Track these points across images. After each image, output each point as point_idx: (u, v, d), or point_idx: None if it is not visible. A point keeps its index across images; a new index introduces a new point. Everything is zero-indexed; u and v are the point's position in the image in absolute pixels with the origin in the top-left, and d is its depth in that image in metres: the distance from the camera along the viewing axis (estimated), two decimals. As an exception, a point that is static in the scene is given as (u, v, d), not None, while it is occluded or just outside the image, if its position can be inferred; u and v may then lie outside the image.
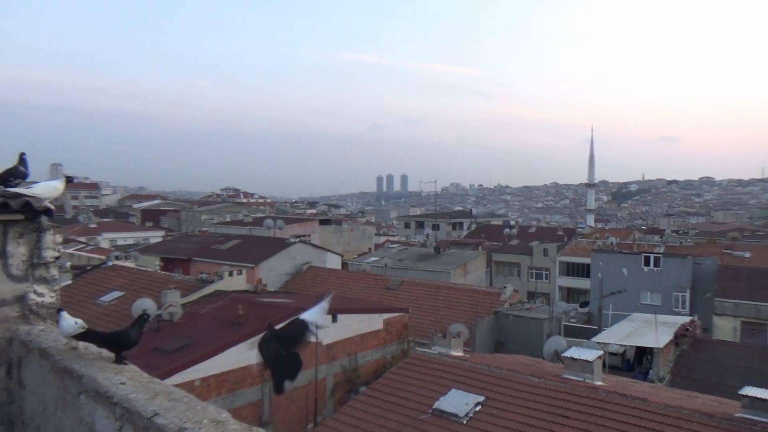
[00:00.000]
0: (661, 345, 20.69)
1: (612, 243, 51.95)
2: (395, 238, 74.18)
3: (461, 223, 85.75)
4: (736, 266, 38.80)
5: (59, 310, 3.66)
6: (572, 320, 34.08)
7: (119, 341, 3.37)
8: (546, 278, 53.08)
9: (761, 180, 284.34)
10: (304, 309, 3.95)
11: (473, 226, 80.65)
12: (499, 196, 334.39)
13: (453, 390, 14.10)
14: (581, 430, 12.01)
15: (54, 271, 4.33)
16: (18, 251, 4.16)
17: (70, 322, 3.45)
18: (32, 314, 4.20)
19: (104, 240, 55.26)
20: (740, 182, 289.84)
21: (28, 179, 4.41)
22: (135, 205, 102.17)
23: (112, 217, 78.92)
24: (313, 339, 3.55)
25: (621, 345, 23.98)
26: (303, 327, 3.61)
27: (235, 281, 25.91)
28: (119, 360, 3.32)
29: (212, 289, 23.47)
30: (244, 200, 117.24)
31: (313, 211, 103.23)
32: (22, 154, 4.37)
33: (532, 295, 47.91)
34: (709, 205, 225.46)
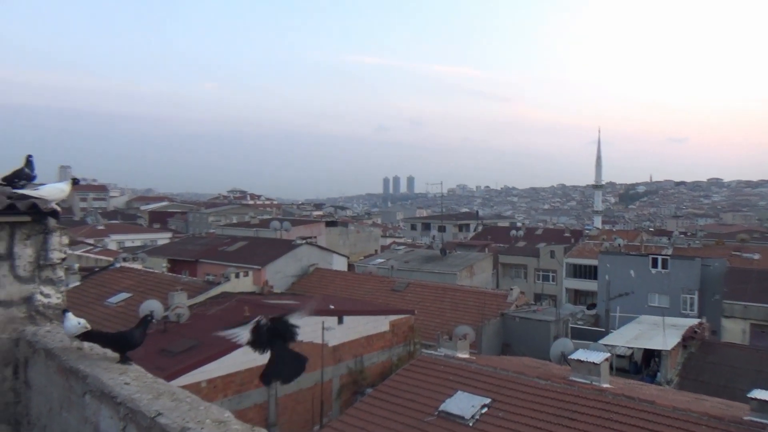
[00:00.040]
0: (669, 347, 20.57)
1: (619, 245, 51.71)
2: (401, 240, 74.13)
3: (467, 225, 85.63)
4: (745, 268, 38.50)
5: (64, 310, 3.69)
6: (579, 322, 33.94)
7: (123, 342, 3.40)
8: (553, 280, 52.88)
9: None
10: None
11: (480, 228, 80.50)
12: (506, 197, 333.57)
13: (459, 392, 14.07)
14: (588, 433, 11.94)
15: (60, 273, 4.37)
16: (25, 252, 4.20)
17: (74, 322, 3.48)
18: (39, 315, 4.23)
19: (112, 242, 55.54)
20: (749, 183, 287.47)
21: (35, 181, 4.45)
22: (143, 207, 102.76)
23: (119, 219, 79.35)
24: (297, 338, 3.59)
25: (628, 347, 23.85)
26: (290, 326, 3.64)
27: (241, 283, 25.99)
28: (124, 360, 3.34)
29: (219, 290, 23.55)
30: (251, 202, 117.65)
31: (320, 212, 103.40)
32: (29, 156, 4.42)
33: (538, 297, 47.71)
34: (718, 206, 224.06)
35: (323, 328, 18.30)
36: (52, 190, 4.15)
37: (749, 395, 12.08)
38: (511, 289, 29.59)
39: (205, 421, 2.39)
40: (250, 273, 28.42)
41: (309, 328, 17.82)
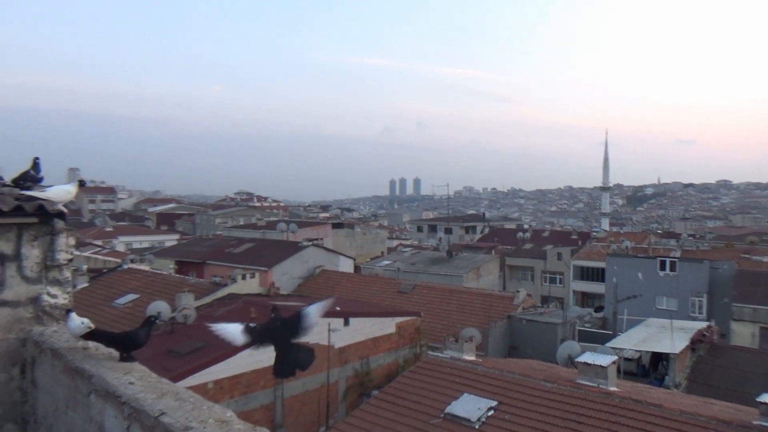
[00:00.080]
0: (677, 351, 20.41)
1: (627, 247, 51.43)
2: (408, 242, 74.06)
3: (474, 227, 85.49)
4: (754, 271, 38.14)
5: (68, 310, 3.72)
6: (586, 325, 33.75)
7: (127, 341, 3.43)
8: (560, 282, 52.66)
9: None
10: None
11: (486, 230, 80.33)
12: (513, 199, 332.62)
13: (465, 394, 14.03)
14: (595, 436, 11.87)
15: (67, 273, 4.40)
16: (32, 253, 4.24)
17: (77, 322, 3.51)
18: (45, 315, 4.27)
19: (120, 243, 55.87)
20: (759, 185, 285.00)
21: (43, 183, 4.49)
22: (150, 209, 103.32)
23: (127, 221, 79.84)
24: (311, 332, 3.67)
25: (636, 350, 23.69)
26: (304, 319, 3.73)
27: (248, 284, 26.06)
28: (125, 359, 3.37)
29: (225, 292, 23.63)
30: (258, 204, 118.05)
31: (326, 214, 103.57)
32: (36, 158, 4.47)
33: (545, 300, 47.56)
34: (727, 208, 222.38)
35: (329, 330, 18.32)
36: (58, 192, 4.20)
37: (758, 399, 11.97)
38: (518, 292, 29.48)
39: (207, 421, 2.41)
40: (257, 274, 28.49)
41: (315, 330, 17.80)
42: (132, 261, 29.88)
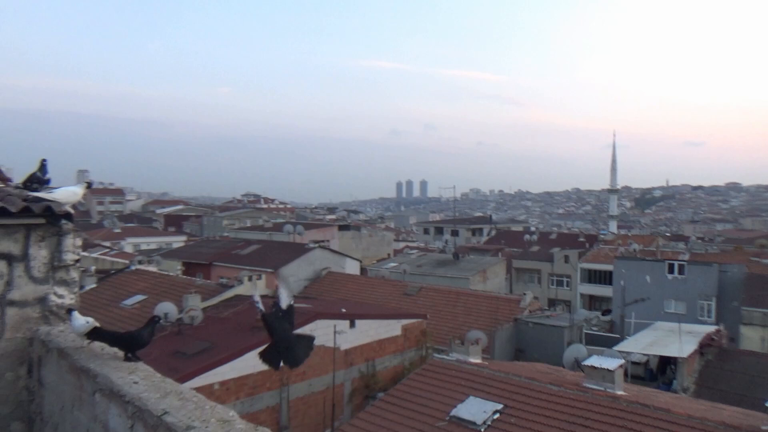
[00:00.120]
0: (686, 355, 20.25)
1: (635, 250, 51.10)
2: (414, 244, 74.06)
3: (481, 229, 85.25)
4: (764, 275, 37.80)
5: (69, 310, 3.76)
6: (594, 328, 33.59)
7: (131, 341, 3.47)
8: (567, 285, 52.41)
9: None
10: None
11: (493, 233, 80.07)
12: (520, 201, 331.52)
13: (471, 397, 14.00)
14: (601, 440, 11.80)
15: (74, 274, 4.45)
16: (39, 254, 4.29)
17: (81, 321, 3.54)
18: (52, 315, 4.31)
19: (128, 245, 56.24)
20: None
21: (50, 184, 4.54)
22: (158, 211, 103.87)
23: (136, 222, 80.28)
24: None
25: (644, 354, 23.52)
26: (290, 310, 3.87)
27: (255, 286, 26.12)
28: (129, 358, 3.40)
29: (232, 293, 23.70)
30: (265, 206, 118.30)
31: (333, 216, 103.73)
32: (43, 160, 4.52)
33: (552, 303, 47.35)
34: (737, 211, 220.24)
35: (335, 332, 18.34)
36: (65, 194, 4.24)
37: None
38: (525, 294, 29.39)
39: (210, 420, 2.43)
40: (263, 276, 28.58)
41: (321, 332, 17.87)
42: (140, 262, 30.04)
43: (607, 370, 14.01)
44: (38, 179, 4.44)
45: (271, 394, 16.70)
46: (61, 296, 4.36)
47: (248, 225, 70.94)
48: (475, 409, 13.51)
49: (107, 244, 50.31)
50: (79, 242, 4.45)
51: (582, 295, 51.41)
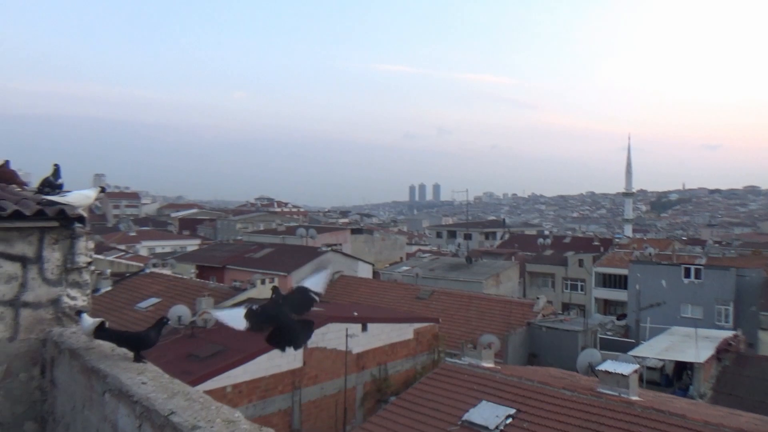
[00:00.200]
0: (702, 360, 19.95)
1: (651, 254, 50.47)
2: (427, 248, 73.91)
3: (494, 233, 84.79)
4: (783, 279, 37.13)
5: (78, 312, 3.81)
6: (608, 333, 33.23)
7: (138, 341, 3.52)
8: (581, 289, 51.93)
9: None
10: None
11: (506, 236, 79.63)
12: (534, 205, 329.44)
13: (483, 402, 13.91)
14: (615, 446, 11.66)
15: (86, 276, 4.52)
16: (53, 256, 4.36)
17: (90, 321, 3.60)
18: (65, 317, 4.38)
19: (143, 248, 56.86)
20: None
21: (63, 188, 4.62)
22: (173, 214, 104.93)
23: (151, 226, 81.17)
24: (315, 304, 3.83)
25: (659, 359, 23.23)
26: (306, 293, 3.89)
27: (267, 289, 26.21)
28: (137, 359, 3.45)
29: (245, 296, 23.86)
30: (278, 209, 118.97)
31: (346, 220, 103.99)
32: (56, 165, 4.61)
33: (566, 307, 46.91)
34: (755, 215, 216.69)
35: (347, 336, 18.35)
36: (78, 197, 4.32)
37: (786, 411, 11.64)
38: (538, 299, 29.17)
39: (215, 420, 2.46)
40: (276, 279, 28.71)
41: (333, 335, 17.89)
42: (154, 265, 30.41)
43: (622, 375, 13.84)
44: (51, 183, 4.53)
45: (283, 398, 16.74)
46: (73, 298, 4.42)
47: (261, 228, 71.36)
48: (488, 413, 13.43)
49: (123, 247, 50.92)
50: (91, 245, 4.52)
51: (597, 299, 50.91)
